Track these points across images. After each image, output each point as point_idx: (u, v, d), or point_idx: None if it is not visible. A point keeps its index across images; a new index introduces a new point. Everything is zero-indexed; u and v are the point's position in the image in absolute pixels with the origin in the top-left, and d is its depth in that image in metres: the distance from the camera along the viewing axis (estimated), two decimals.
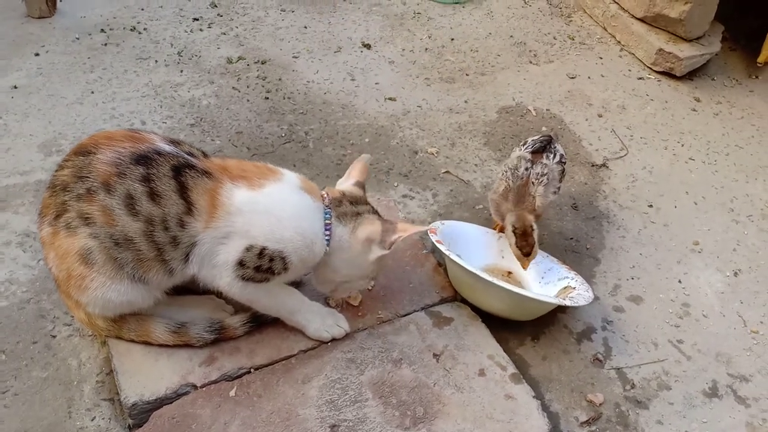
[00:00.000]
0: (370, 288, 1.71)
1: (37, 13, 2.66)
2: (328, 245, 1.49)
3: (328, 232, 1.49)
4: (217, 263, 1.42)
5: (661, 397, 1.68)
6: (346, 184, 1.61)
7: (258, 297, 1.50)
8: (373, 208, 1.58)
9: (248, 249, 1.40)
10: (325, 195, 1.52)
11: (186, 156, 1.41)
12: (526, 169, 1.82)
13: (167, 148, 1.41)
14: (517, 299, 1.67)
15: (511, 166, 1.85)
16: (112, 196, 1.36)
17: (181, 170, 1.38)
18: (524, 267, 1.79)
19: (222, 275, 1.43)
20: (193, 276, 1.46)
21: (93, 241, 1.37)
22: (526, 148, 1.89)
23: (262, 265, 1.42)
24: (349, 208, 1.53)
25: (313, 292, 1.63)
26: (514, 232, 1.76)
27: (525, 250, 1.75)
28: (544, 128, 2.45)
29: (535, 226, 1.76)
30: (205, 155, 1.47)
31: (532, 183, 1.81)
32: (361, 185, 1.61)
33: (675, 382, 1.72)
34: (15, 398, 1.50)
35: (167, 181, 1.37)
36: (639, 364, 1.75)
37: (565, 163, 1.93)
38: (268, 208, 1.43)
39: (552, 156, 1.88)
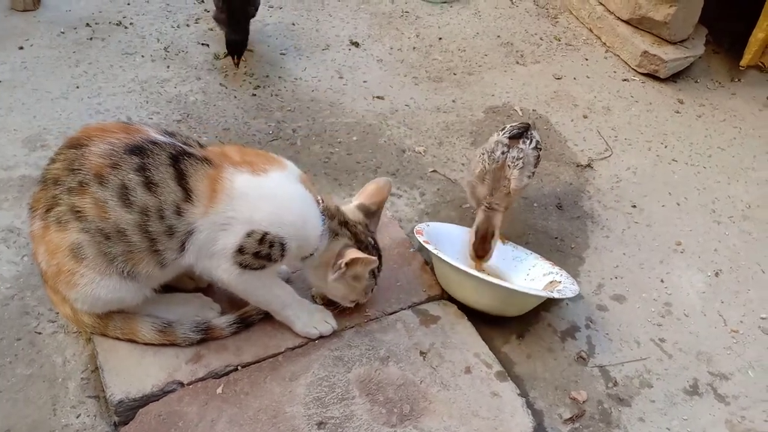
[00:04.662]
0: (350, 305, 1.65)
1: (21, 5, 2.62)
2: (318, 245, 1.50)
3: (321, 232, 1.50)
4: (215, 251, 1.41)
5: (643, 394, 1.71)
6: (351, 204, 1.64)
7: (253, 287, 1.50)
8: (355, 236, 1.56)
9: (249, 234, 1.40)
10: (320, 200, 1.53)
11: (182, 145, 1.41)
12: (503, 153, 1.86)
13: (163, 138, 1.41)
14: (505, 294, 1.68)
15: (488, 150, 1.89)
16: (104, 188, 1.35)
17: (179, 158, 1.38)
18: (477, 267, 1.84)
19: (220, 263, 1.43)
20: (189, 267, 1.45)
21: (83, 235, 1.36)
22: (504, 134, 1.93)
23: (261, 251, 1.42)
24: (335, 225, 1.54)
25: (301, 290, 1.64)
26: (476, 231, 1.83)
27: (479, 252, 1.83)
28: None
29: (496, 234, 1.84)
30: (201, 145, 1.47)
31: (508, 166, 1.85)
32: (363, 208, 1.63)
33: (657, 380, 1.75)
34: None
35: (165, 169, 1.36)
36: (622, 362, 1.77)
37: (540, 149, 1.96)
38: (273, 192, 1.44)
39: (528, 142, 1.92)
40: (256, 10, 2.51)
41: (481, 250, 1.83)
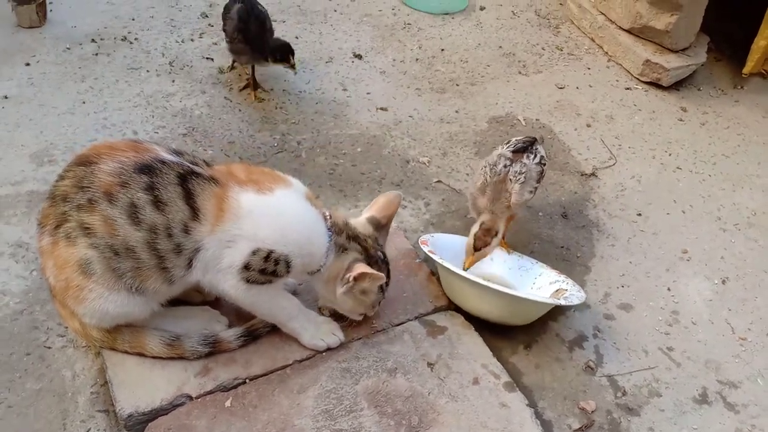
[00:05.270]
0: (358, 318, 1.66)
1: (27, 22, 2.65)
2: (324, 261, 1.51)
3: (327, 248, 1.51)
4: (222, 268, 1.43)
5: (652, 404, 1.71)
6: (361, 217, 1.64)
7: (260, 301, 1.51)
8: (365, 250, 1.56)
9: (254, 252, 1.41)
10: (328, 216, 1.53)
11: (190, 165, 1.43)
12: (505, 166, 1.86)
13: (171, 157, 1.42)
14: (512, 302, 1.68)
15: (490, 162, 1.89)
16: (114, 206, 1.36)
17: (186, 177, 1.39)
18: (466, 264, 1.81)
19: (227, 279, 1.44)
20: (196, 283, 1.46)
21: (92, 251, 1.37)
22: (508, 147, 1.92)
23: (266, 268, 1.43)
24: (343, 240, 1.54)
25: (308, 302, 1.64)
26: (481, 224, 1.81)
27: (478, 243, 1.80)
28: None
29: (499, 235, 1.82)
30: (208, 164, 1.48)
31: (510, 180, 1.85)
32: (374, 222, 1.63)
33: (665, 389, 1.74)
34: (9, 410, 1.49)
35: (173, 188, 1.37)
36: (630, 371, 1.77)
37: (545, 164, 1.96)
38: (278, 211, 1.45)
39: (532, 156, 1.91)
40: (272, 34, 2.46)
41: (480, 240, 1.79)
